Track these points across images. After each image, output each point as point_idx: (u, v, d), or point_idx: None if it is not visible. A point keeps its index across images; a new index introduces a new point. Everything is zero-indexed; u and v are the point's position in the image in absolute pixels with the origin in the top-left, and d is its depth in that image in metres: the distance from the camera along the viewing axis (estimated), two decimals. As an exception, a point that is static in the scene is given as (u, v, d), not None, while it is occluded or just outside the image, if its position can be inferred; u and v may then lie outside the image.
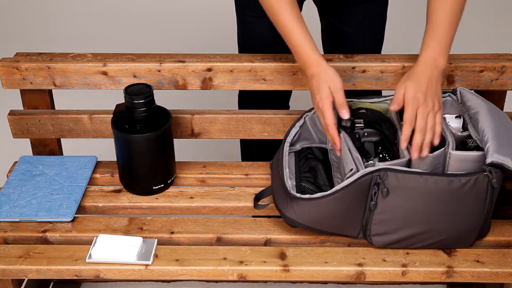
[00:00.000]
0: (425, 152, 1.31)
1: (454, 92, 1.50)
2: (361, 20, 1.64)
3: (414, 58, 1.56)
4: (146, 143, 1.45)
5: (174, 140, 1.55)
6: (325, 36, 1.76)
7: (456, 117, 1.46)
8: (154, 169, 1.50)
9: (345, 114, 1.37)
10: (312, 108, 1.53)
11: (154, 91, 1.48)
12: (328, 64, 1.39)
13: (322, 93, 1.37)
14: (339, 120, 1.44)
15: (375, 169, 1.28)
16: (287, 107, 1.90)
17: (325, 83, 1.37)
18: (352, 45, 1.66)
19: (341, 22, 1.66)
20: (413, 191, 1.29)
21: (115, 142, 1.48)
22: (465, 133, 1.41)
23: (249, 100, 1.83)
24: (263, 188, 1.50)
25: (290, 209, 1.35)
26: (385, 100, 1.51)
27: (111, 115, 1.48)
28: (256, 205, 1.48)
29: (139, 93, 1.43)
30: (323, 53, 1.76)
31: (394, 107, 1.37)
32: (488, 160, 1.27)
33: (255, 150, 1.88)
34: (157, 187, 1.52)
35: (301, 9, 1.74)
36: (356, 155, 1.34)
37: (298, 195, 1.34)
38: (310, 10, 1.74)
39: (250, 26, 1.73)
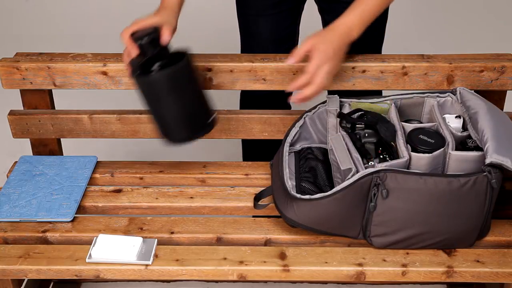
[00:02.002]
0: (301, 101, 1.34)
1: (454, 92, 1.50)
2: None
3: (414, 58, 1.57)
4: (173, 78, 1.36)
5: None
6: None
7: (456, 117, 1.46)
8: (191, 104, 1.41)
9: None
10: (312, 108, 1.54)
11: None
12: (168, 14, 1.46)
13: (133, 23, 1.45)
14: (340, 120, 1.44)
15: (374, 170, 1.28)
16: (288, 107, 1.90)
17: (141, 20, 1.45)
18: (350, 46, 1.65)
19: None
20: (412, 192, 1.28)
21: (143, 96, 1.38)
22: (465, 133, 1.41)
23: (251, 99, 1.83)
24: (263, 188, 1.50)
25: (290, 209, 1.35)
26: (385, 100, 1.51)
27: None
28: (256, 205, 1.48)
29: (146, 34, 1.39)
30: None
31: (291, 61, 1.38)
32: (487, 161, 1.26)
33: (256, 150, 1.88)
34: (201, 124, 1.44)
35: (302, 8, 1.75)
36: (356, 155, 1.34)
37: (298, 195, 1.34)
38: (312, 9, 1.74)
39: (250, 24, 1.73)
